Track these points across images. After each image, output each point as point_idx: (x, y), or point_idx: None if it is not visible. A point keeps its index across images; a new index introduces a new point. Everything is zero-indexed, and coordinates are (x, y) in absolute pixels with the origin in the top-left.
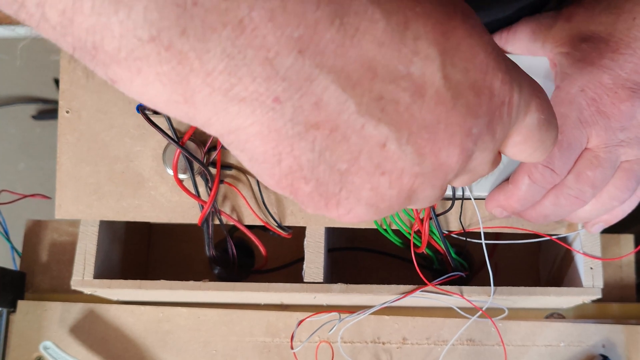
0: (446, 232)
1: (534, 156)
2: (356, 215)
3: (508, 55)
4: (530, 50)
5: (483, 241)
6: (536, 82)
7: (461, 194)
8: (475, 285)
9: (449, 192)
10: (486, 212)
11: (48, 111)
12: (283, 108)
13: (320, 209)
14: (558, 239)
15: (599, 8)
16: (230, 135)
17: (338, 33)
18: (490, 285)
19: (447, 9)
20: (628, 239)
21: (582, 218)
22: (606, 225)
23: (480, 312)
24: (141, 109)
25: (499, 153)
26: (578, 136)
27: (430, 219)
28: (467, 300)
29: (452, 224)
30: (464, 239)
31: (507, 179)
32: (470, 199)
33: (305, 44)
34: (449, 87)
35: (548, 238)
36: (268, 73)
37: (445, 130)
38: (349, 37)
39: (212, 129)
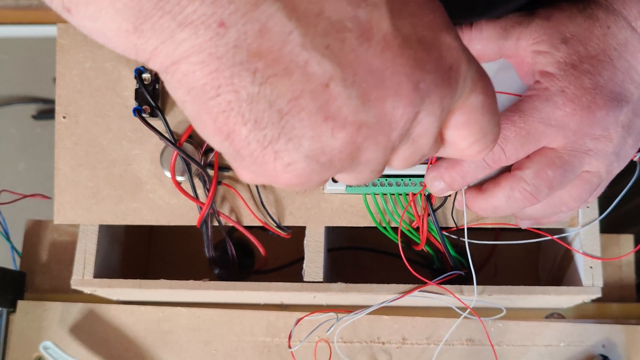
0: (445, 229)
1: (474, 148)
2: (294, 170)
3: None
4: (499, 47)
5: (466, 239)
6: (484, 70)
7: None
8: (479, 285)
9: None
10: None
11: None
12: (227, 33)
13: (256, 162)
14: (558, 238)
15: (576, 10)
16: (173, 66)
17: None
18: (490, 285)
19: None
20: (628, 239)
21: (528, 216)
22: (535, 225)
23: (469, 310)
24: (138, 111)
25: (441, 136)
26: (540, 130)
27: (429, 215)
28: (458, 299)
29: (452, 221)
30: (463, 238)
31: None
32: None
33: None
34: (397, 35)
35: (548, 238)
36: (214, 0)
37: (392, 78)
38: None
39: (156, 61)
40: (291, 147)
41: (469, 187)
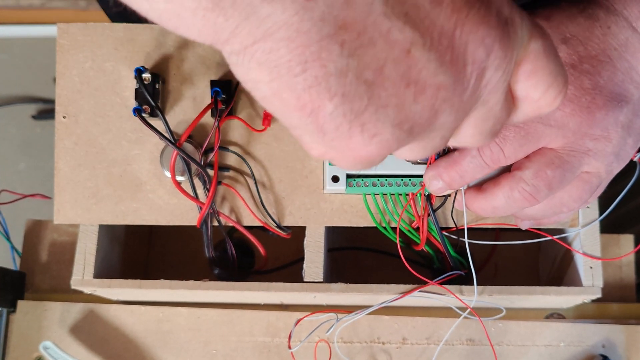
0: (445, 229)
1: (549, 94)
2: (380, 142)
3: None
4: None
5: (466, 240)
6: (535, 20)
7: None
8: (478, 285)
9: None
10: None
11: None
12: (315, 5)
13: (340, 137)
14: (558, 238)
15: (576, 10)
16: (254, 45)
17: None
18: (490, 285)
19: None
20: (628, 239)
21: (528, 216)
22: (535, 226)
23: (469, 310)
24: (137, 111)
25: (513, 98)
26: (540, 131)
27: (429, 215)
28: (459, 299)
29: (452, 222)
30: (463, 238)
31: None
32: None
33: None
34: None
35: (548, 238)
36: None
37: (461, 37)
38: None
39: (235, 42)
40: (378, 118)
41: (469, 187)
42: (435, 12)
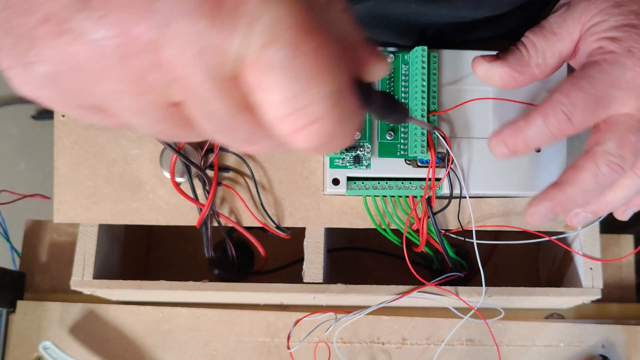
0: (444, 231)
1: (280, 112)
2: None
3: None
4: (570, 37)
5: (475, 240)
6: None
7: (459, 192)
8: (476, 286)
9: (446, 191)
10: (484, 211)
11: (48, 111)
12: None
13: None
14: (557, 239)
15: None
16: None
17: None
18: (490, 286)
19: None
20: (628, 239)
21: (615, 201)
22: (637, 209)
23: (473, 311)
24: None
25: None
26: (612, 94)
27: (428, 217)
28: (462, 301)
29: (452, 222)
30: (463, 239)
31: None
32: (465, 197)
33: None
34: None
35: (547, 239)
36: None
37: None
38: None
39: None
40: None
41: (546, 189)
42: None
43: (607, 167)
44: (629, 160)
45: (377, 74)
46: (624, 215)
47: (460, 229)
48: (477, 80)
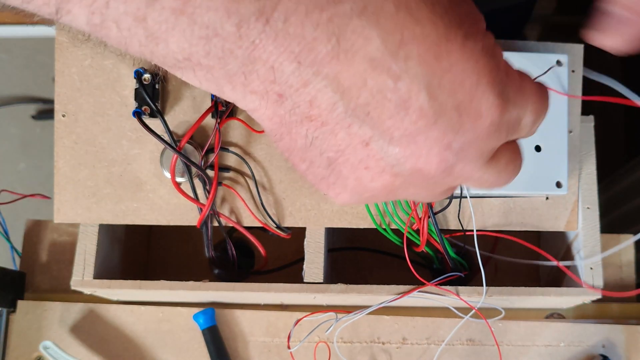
0: (449, 235)
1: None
2: (343, 199)
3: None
4: None
5: (475, 233)
6: (540, 96)
7: (459, 192)
8: (476, 286)
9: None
10: (484, 211)
11: (48, 111)
12: (284, 101)
13: (316, 185)
14: (556, 239)
15: None
16: (250, 112)
17: (334, 49)
18: (490, 286)
19: (449, 30)
20: (628, 239)
21: None
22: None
23: (474, 311)
24: (137, 114)
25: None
26: None
27: (429, 217)
28: (463, 300)
29: (452, 222)
30: (462, 237)
31: None
32: (466, 197)
33: (304, 57)
34: (432, 105)
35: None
36: (272, 77)
37: (425, 142)
38: (344, 51)
39: (239, 105)
40: (339, 184)
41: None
42: (400, 116)
43: None
44: None
45: None
46: None
47: (461, 228)
48: None
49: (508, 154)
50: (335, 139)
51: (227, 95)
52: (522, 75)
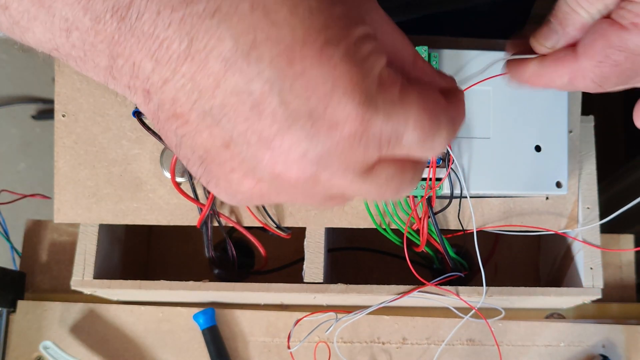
0: (450, 234)
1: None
2: (223, 199)
3: None
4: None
5: (475, 233)
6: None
7: (459, 192)
8: (476, 286)
9: (446, 191)
10: (484, 211)
11: (48, 111)
12: (152, 98)
13: (201, 182)
14: (557, 236)
15: None
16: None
17: (187, 48)
18: (490, 286)
19: (308, 34)
20: (628, 239)
21: None
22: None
23: (474, 311)
24: (137, 114)
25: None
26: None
27: (429, 217)
28: (463, 300)
29: (452, 222)
30: (462, 237)
31: None
32: (466, 197)
33: (160, 55)
34: (285, 110)
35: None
36: (137, 73)
37: (280, 147)
38: (197, 51)
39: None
40: (213, 184)
41: None
42: (255, 118)
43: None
44: None
45: None
46: None
47: (461, 229)
48: (477, 80)
49: (390, 170)
50: (201, 138)
51: (114, 88)
52: (411, 87)
